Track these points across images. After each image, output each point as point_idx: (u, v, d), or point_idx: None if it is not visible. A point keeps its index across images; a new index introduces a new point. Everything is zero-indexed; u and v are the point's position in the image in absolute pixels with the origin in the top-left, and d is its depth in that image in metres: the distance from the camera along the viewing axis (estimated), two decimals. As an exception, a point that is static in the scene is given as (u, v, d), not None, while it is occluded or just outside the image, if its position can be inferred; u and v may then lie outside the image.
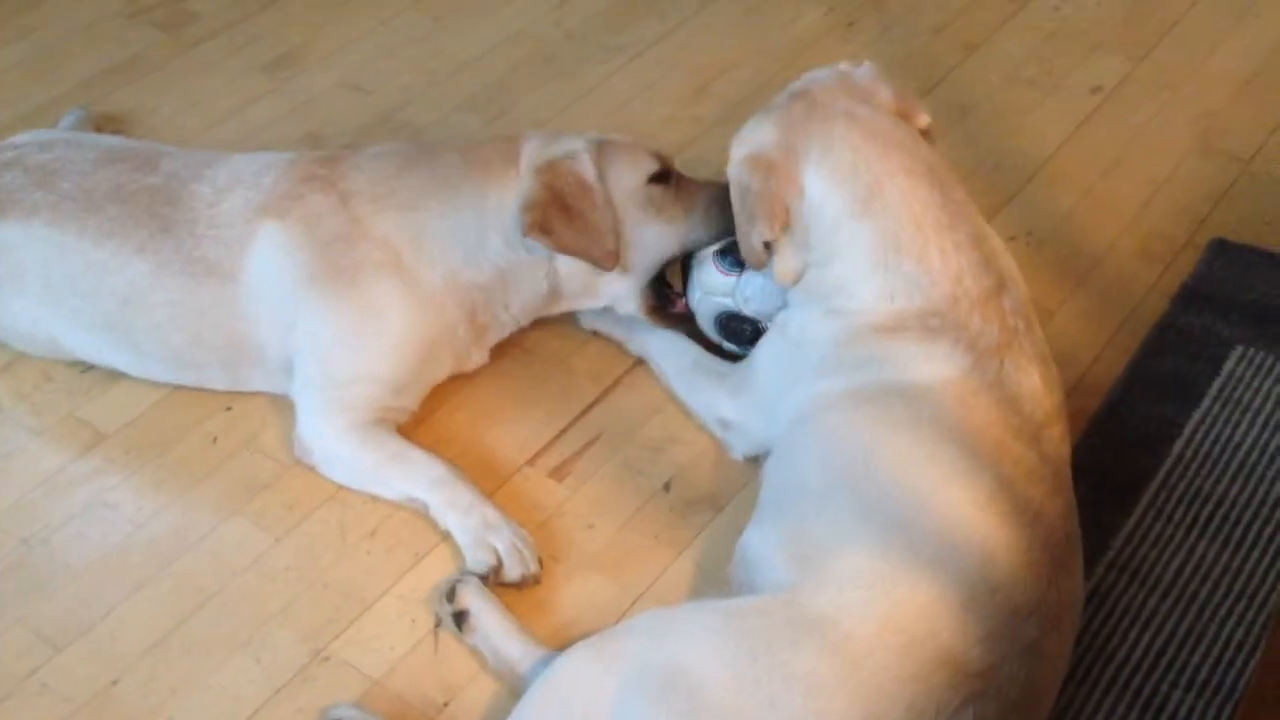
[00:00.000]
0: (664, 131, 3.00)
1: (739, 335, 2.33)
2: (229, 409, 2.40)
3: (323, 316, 2.24)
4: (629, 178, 2.30)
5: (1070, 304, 2.54)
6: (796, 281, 2.11)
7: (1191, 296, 2.51)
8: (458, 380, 2.39)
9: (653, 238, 2.31)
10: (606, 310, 2.42)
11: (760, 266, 2.13)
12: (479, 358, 2.38)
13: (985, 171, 2.88)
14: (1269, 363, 2.38)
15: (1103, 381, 2.38)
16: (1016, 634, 1.70)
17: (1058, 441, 1.94)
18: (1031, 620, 1.72)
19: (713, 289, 2.31)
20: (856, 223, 2.01)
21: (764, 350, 2.19)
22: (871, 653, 1.65)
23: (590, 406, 2.40)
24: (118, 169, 2.35)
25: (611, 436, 2.33)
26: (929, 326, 1.94)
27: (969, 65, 3.21)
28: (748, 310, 2.28)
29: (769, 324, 2.25)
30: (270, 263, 2.24)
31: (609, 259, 2.26)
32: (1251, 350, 2.40)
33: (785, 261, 2.10)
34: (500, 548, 2.11)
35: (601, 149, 2.30)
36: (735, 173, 2.10)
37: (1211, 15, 3.31)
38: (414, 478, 2.22)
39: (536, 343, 2.51)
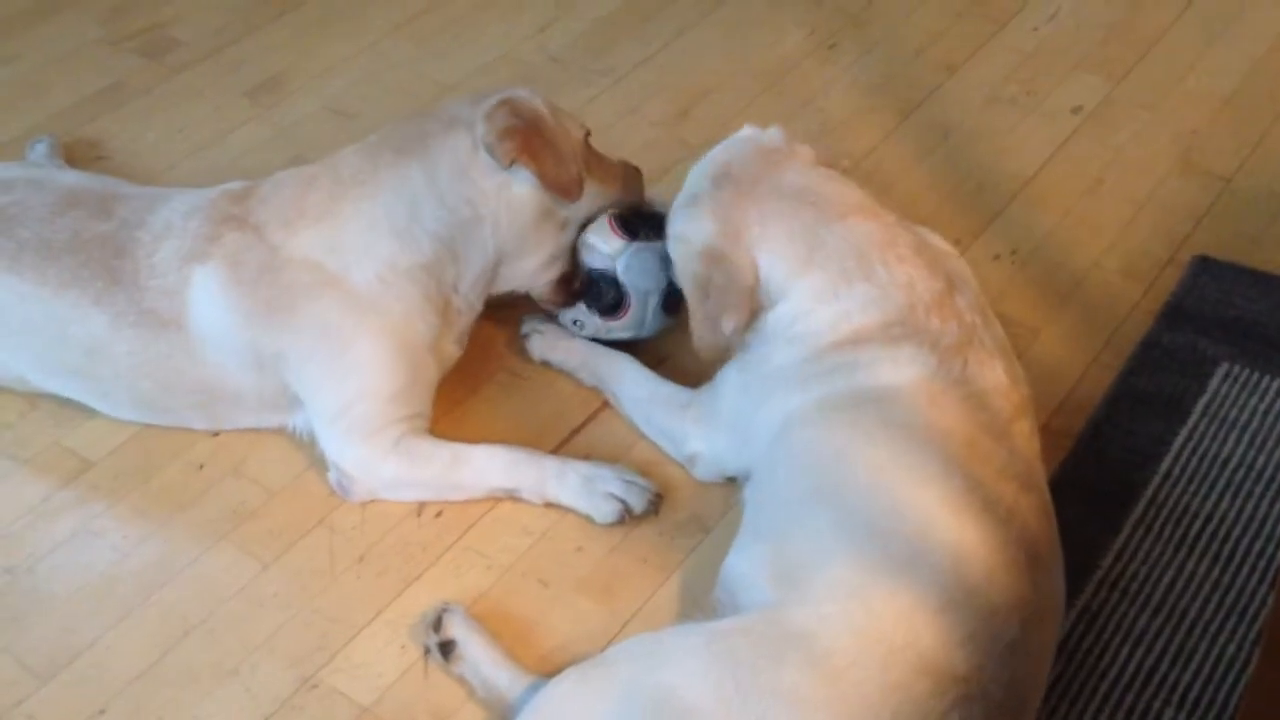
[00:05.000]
0: (647, 153, 3.00)
1: (600, 298, 2.38)
2: (215, 434, 2.39)
3: (287, 354, 2.22)
4: (574, 128, 2.34)
5: (1055, 323, 2.55)
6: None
7: (1176, 314, 2.53)
8: (444, 403, 2.38)
9: (586, 191, 2.32)
10: (558, 344, 2.46)
11: (716, 350, 2.15)
12: (452, 350, 2.35)
13: (968, 192, 2.89)
14: (1254, 379, 2.39)
15: (1089, 400, 2.39)
16: (997, 633, 1.71)
17: (1027, 436, 1.95)
18: (1012, 618, 1.72)
19: (598, 246, 2.35)
20: (803, 276, 2.04)
21: (726, 382, 2.19)
22: (853, 665, 1.66)
23: (578, 429, 2.40)
24: (75, 215, 2.31)
25: (599, 459, 2.32)
26: (892, 335, 1.96)
27: (950, 86, 3.22)
28: (624, 278, 2.33)
29: (633, 297, 2.34)
30: (208, 309, 2.22)
31: (577, 186, 2.26)
32: (1237, 367, 2.41)
33: (753, 323, 2.12)
34: (616, 491, 2.18)
35: (546, 101, 2.32)
36: (691, 265, 2.11)
37: (1190, 34, 3.34)
38: (487, 472, 2.24)
39: (523, 366, 2.51)
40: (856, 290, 2.00)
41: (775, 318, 2.07)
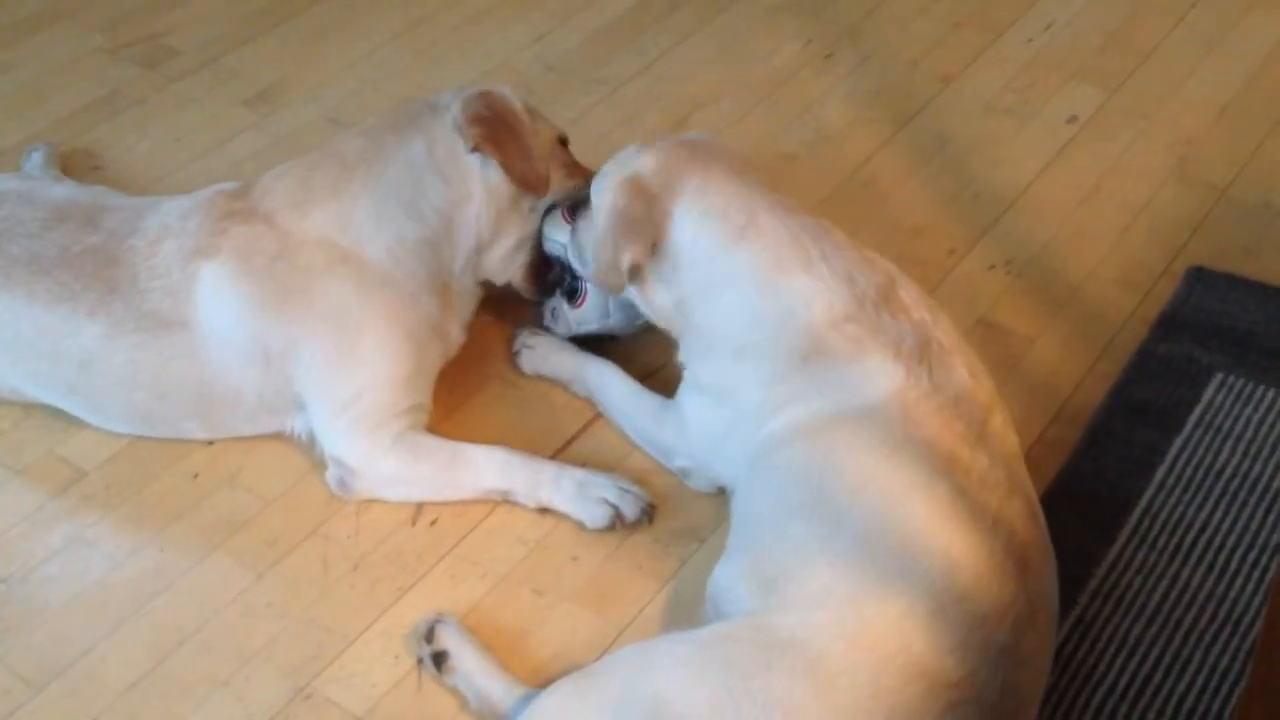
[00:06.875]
0: (645, 163, 3.01)
1: (561, 285, 2.46)
2: (210, 444, 2.39)
3: (298, 343, 2.23)
4: (546, 130, 2.42)
5: (1050, 332, 2.55)
6: (665, 315, 2.17)
7: (1171, 324, 2.53)
8: (441, 410, 2.38)
9: (556, 187, 2.41)
10: (549, 358, 2.48)
11: (618, 290, 2.20)
12: (457, 334, 2.39)
13: (964, 201, 2.89)
14: (1249, 389, 2.39)
15: (1084, 409, 2.39)
16: (989, 639, 1.71)
17: (1001, 435, 1.94)
18: (1003, 624, 1.73)
19: (551, 234, 2.41)
20: (733, 250, 2.06)
21: (688, 403, 2.21)
22: (844, 671, 1.66)
23: (573, 439, 2.40)
24: (63, 229, 2.32)
25: (595, 468, 2.32)
26: (849, 336, 1.96)
27: (946, 96, 3.23)
28: (573, 261, 2.38)
29: (588, 282, 2.37)
30: (217, 302, 2.23)
31: (542, 184, 2.35)
32: (1231, 377, 2.41)
33: (654, 293, 2.16)
34: (609, 497, 2.20)
35: (525, 101, 2.41)
36: (610, 193, 2.15)
37: (1186, 44, 3.34)
38: (484, 471, 2.25)
39: (518, 376, 2.51)
40: (795, 282, 2.01)
41: (708, 317, 2.09)
